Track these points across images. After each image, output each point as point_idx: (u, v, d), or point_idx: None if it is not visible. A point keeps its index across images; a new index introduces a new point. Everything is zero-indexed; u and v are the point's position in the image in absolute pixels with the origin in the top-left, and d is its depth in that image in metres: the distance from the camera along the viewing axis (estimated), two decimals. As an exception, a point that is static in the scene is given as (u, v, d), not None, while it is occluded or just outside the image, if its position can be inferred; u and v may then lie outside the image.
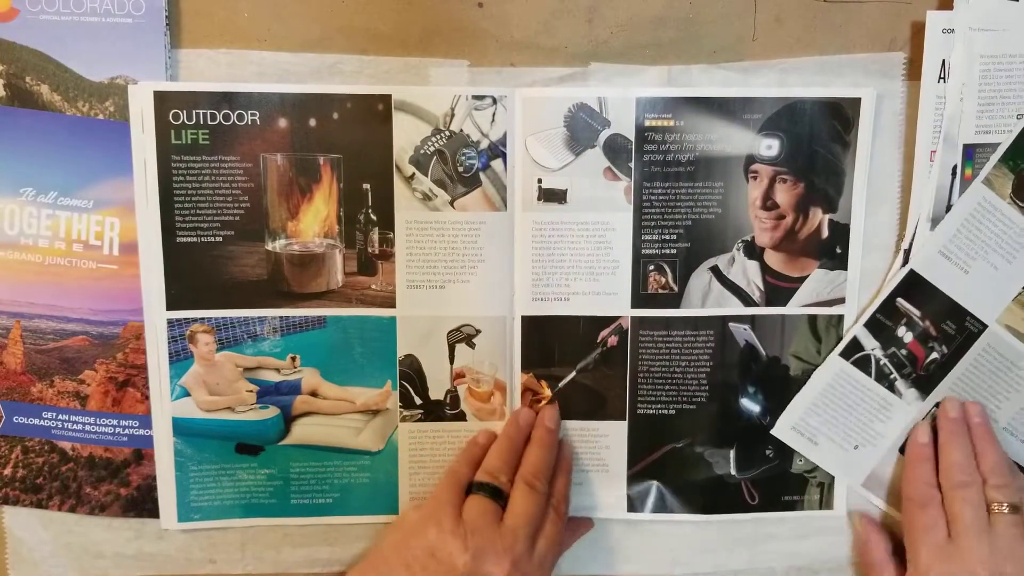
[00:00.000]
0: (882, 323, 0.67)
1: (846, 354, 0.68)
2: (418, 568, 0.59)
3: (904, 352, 0.68)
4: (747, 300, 0.68)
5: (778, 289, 0.68)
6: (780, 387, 0.69)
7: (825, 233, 0.67)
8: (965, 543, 0.62)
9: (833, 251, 0.67)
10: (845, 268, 0.67)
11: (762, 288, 0.68)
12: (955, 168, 0.65)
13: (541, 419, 0.67)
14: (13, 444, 0.68)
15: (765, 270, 0.68)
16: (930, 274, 0.67)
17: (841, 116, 0.65)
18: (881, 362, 0.68)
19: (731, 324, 0.68)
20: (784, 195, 0.66)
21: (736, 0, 0.65)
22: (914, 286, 0.67)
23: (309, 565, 0.70)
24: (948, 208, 0.66)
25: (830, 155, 0.66)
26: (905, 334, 0.67)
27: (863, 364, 0.68)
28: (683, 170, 0.66)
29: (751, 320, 0.68)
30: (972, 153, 0.65)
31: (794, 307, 0.68)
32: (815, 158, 0.66)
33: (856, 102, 0.65)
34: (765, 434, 0.70)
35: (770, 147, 0.66)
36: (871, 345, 0.68)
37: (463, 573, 0.58)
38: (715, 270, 0.67)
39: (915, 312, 0.67)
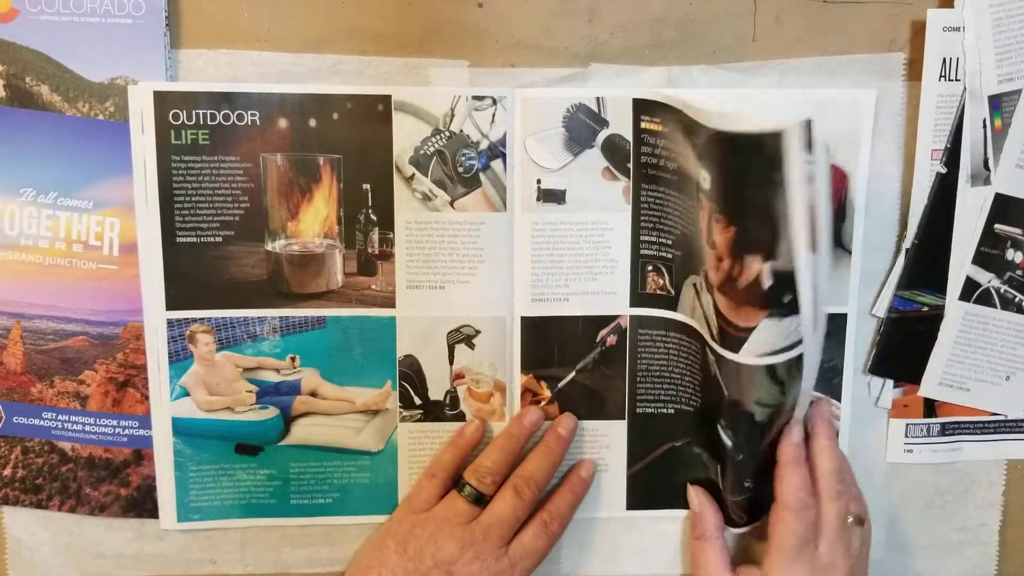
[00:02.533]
0: (988, 254, 0.68)
1: (965, 296, 0.68)
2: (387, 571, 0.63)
3: (1020, 273, 0.68)
4: (710, 333, 0.64)
5: (728, 335, 0.61)
6: (747, 431, 0.64)
7: (768, 283, 0.57)
8: (828, 557, 0.63)
9: (780, 300, 0.57)
10: (798, 312, 0.57)
11: (716, 327, 0.63)
12: (984, 121, 0.66)
13: (555, 424, 0.68)
14: (13, 444, 0.69)
15: (717, 311, 0.62)
16: (1017, 190, 0.67)
17: (765, 153, 0.54)
18: (1002, 290, 0.68)
19: (707, 348, 0.65)
20: (719, 236, 0.59)
21: (736, 0, 0.66)
22: (1006, 207, 0.67)
23: (309, 565, 0.71)
24: (985, 162, 0.67)
25: (759, 197, 0.55)
26: (1015, 255, 0.68)
27: (985, 299, 0.68)
28: (670, 178, 0.65)
29: (716, 355, 0.63)
30: (998, 104, 0.66)
31: (747, 356, 0.61)
32: (744, 199, 0.57)
33: (778, 136, 0.53)
34: (742, 468, 0.66)
35: (705, 179, 0.59)
36: (986, 279, 0.68)
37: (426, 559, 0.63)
38: (696, 288, 0.65)
39: (1016, 232, 0.68)
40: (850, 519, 0.64)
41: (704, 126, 0.58)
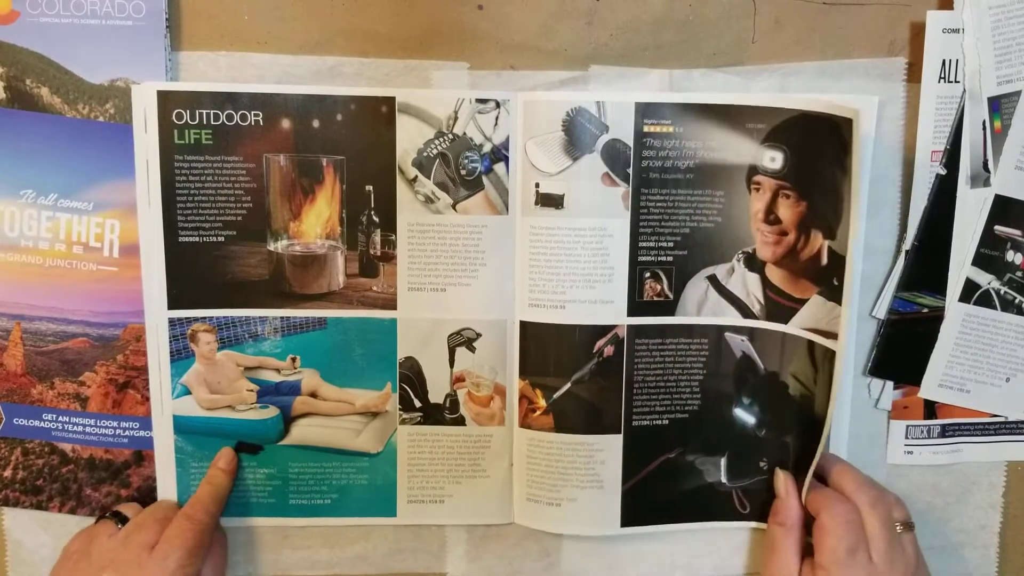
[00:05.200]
0: (988, 255, 0.71)
1: (965, 298, 0.71)
2: None
3: (1020, 274, 0.71)
4: (746, 312, 0.71)
5: (780, 306, 0.70)
6: (777, 402, 0.71)
7: (824, 260, 0.67)
8: (884, 566, 0.65)
9: (831, 281, 0.67)
10: (840, 303, 0.65)
11: (762, 302, 0.70)
12: (984, 123, 0.69)
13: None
14: (13, 446, 0.72)
15: (767, 284, 0.70)
16: (1016, 191, 0.70)
17: (840, 135, 0.63)
18: (1002, 292, 0.71)
19: (728, 334, 0.71)
20: (787, 211, 0.68)
21: (736, 2, 0.68)
22: (1005, 208, 0.70)
23: (309, 567, 0.74)
24: (985, 163, 0.69)
25: (831, 177, 0.65)
26: (1015, 256, 0.70)
27: (985, 301, 0.71)
28: (682, 177, 0.68)
29: (749, 332, 0.71)
30: (998, 105, 0.69)
31: (794, 327, 0.69)
32: (818, 177, 0.66)
33: (850, 122, 0.62)
34: (759, 445, 0.72)
35: (774, 159, 0.67)
36: (986, 280, 0.71)
37: None
38: (712, 279, 0.70)
39: (1016, 233, 0.70)
40: (898, 526, 0.67)
41: (774, 109, 0.67)
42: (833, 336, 0.66)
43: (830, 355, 0.67)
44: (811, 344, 0.69)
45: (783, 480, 0.71)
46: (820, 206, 0.67)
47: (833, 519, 0.66)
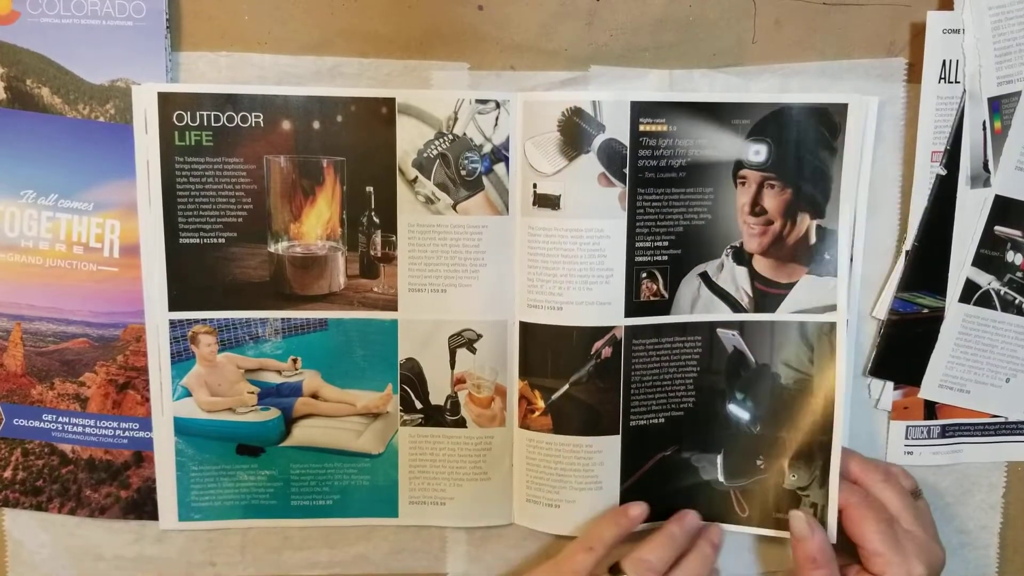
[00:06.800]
0: (988, 256, 0.71)
1: (965, 298, 0.72)
2: None
3: (1020, 275, 0.72)
4: (736, 306, 0.72)
5: (767, 295, 0.72)
6: (770, 395, 0.73)
7: (813, 239, 0.71)
8: (917, 531, 0.68)
9: (822, 257, 0.71)
10: (835, 274, 0.71)
11: (751, 294, 0.72)
12: (984, 123, 0.70)
13: (708, 534, 0.72)
14: (13, 446, 0.72)
15: (754, 276, 0.72)
16: (1016, 192, 0.71)
17: (828, 121, 0.69)
18: (1002, 292, 0.72)
19: (719, 330, 0.72)
20: (772, 200, 0.70)
21: (736, 3, 0.69)
22: (1006, 209, 0.71)
23: (309, 568, 0.75)
24: (985, 164, 0.70)
25: (817, 160, 0.69)
26: (1015, 257, 0.71)
27: (985, 301, 0.72)
28: (675, 176, 0.69)
29: (740, 326, 0.72)
30: (998, 106, 0.70)
31: (784, 313, 0.72)
32: (802, 163, 0.70)
33: (844, 107, 0.69)
34: (755, 443, 0.73)
35: (758, 152, 0.70)
36: (986, 280, 0.72)
37: None
38: (704, 276, 0.71)
39: (1016, 234, 0.71)
40: (915, 498, 0.70)
41: (760, 105, 0.69)
42: (831, 308, 0.70)
43: (827, 328, 0.70)
44: (802, 326, 0.72)
45: (804, 521, 0.69)
46: (806, 189, 0.70)
47: (858, 508, 0.68)
